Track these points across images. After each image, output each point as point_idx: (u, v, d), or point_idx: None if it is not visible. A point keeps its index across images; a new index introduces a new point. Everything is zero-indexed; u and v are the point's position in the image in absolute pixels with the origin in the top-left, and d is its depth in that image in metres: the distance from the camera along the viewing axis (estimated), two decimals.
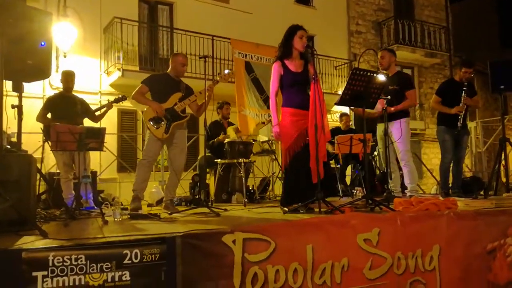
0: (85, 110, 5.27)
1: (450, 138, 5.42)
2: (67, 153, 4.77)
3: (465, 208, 3.77)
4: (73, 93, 5.38)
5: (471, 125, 9.45)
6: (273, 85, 3.98)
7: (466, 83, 5.41)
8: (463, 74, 5.47)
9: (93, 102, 7.79)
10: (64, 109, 5.03)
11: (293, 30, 3.98)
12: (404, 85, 4.93)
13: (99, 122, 5.55)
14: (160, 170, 7.79)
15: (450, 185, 5.58)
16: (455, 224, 3.26)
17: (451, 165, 5.58)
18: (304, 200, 3.77)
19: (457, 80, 5.57)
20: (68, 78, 5.27)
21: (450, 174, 5.62)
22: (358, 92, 3.71)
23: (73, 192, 4.53)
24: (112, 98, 5.56)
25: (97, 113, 5.40)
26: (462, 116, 5.31)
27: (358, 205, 3.94)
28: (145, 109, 4.34)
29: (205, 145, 5.47)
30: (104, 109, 5.32)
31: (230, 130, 6.03)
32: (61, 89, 5.42)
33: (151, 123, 4.24)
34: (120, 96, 5.29)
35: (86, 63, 8.98)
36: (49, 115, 5.11)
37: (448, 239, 3.20)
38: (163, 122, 4.25)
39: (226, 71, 4.60)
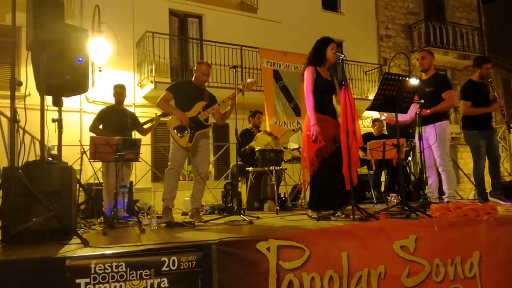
0: (134, 123, 5.46)
1: (484, 142, 5.10)
2: (110, 164, 4.90)
3: (505, 213, 3.64)
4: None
5: (504, 126, 9.11)
6: (308, 86, 4.00)
7: (488, 79, 5.20)
8: (485, 71, 5.21)
9: None
10: (115, 121, 5.27)
11: (326, 42, 4.09)
12: (441, 86, 4.80)
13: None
14: (192, 180, 7.89)
15: (491, 189, 5.32)
16: (496, 229, 3.15)
17: (489, 166, 5.34)
18: (333, 206, 3.80)
19: (476, 80, 5.29)
20: (119, 91, 5.49)
21: (486, 177, 5.37)
22: (390, 96, 3.66)
23: (112, 201, 4.66)
24: (146, 110, 5.73)
25: (145, 127, 5.57)
26: (504, 111, 5.10)
27: (393, 211, 3.87)
28: (170, 117, 4.37)
29: (237, 153, 5.52)
30: (153, 122, 5.46)
31: (261, 135, 6.06)
32: (113, 103, 5.67)
33: (176, 131, 4.26)
34: None
35: (120, 77, 9.24)
36: (101, 127, 5.34)
37: (488, 245, 3.10)
38: (187, 131, 4.26)
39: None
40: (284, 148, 6.46)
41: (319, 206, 3.99)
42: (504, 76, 15.87)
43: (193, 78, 4.55)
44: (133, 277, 2.19)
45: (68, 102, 7.99)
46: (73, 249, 2.43)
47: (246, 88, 4.54)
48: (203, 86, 4.57)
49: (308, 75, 4.03)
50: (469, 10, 15.30)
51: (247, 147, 6.13)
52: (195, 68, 4.54)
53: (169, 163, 4.37)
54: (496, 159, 5.26)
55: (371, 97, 8.52)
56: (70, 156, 5.90)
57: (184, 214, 5.39)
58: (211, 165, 9.38)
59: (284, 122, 9.11)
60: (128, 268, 2.19)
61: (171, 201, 4.28)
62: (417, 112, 4.43)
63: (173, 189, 4.31)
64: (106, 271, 2.16)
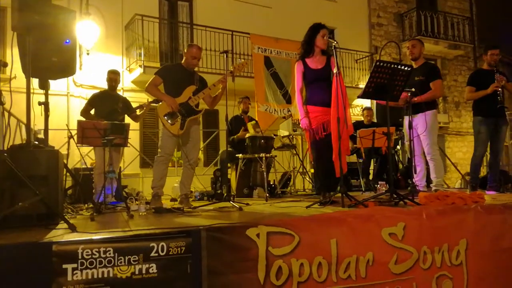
0: (126, 108, 5.40)
1: (486, 130, 5.12)
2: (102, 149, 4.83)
3: (493, 202, 3.69)
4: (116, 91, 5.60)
5: None
6: (297, 83, 4.15)
7: (496, 66, 5.19)
8: (491, 57, 5.24)
9: None
10: (106, 106, 5.21)
11: (316, 29, 4.08)
12: (430, 75, 4.81)
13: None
14: (181, 166, 7.86)
15: (488, 180, 5.33)
16: (483, 218, 3.19)
17: (488, 157, 5.35)
18: (327, 189, 3.97)
19: (485, 68, 5.34)
20: (112, 77, 5.41)
21: (483, 168, 5.39)
22: (382, 84, 3.66)
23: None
24: (135, 95, 5.67)
25: (137, 112, 5.50)
26: (501, 93, 5.03)
27: (382, 199, 3.90)
28: (160, 104, 4.26)
29: (227, 140, 5.49)
30: (143, 109, 5.40)
31: (250, 127, 6.04)
32: (106, 88, 5.60)
33: (166, 118, 4.14)
34: None
35: (108, 61, 9.11)
36: (92, 111, 5.29)
37: (475, 233, 3.14)
38: (178, 118, 4.16)
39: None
40: (274, 135, 6.45)
41: (319, 190, 4.18)
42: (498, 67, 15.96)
43: (182, 61, 4.41)
44: (121, 262, 2.18)
45: (55, 85, 7.85)
46: (60, 234, 2.40)
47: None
48: (193, 69, 4.44)
49: (296, 71, 4.12)
50: None
51: (235, 136, 6.10)
52: (185, 50, 4.41)
53: (159, 150, 4.29)
54: (497, 150, 5.26)
55: (362, 85, 8.52)
56: (57, 140, 5.82)
57: (173, 200, 5.37)
58: (200, 152, 9.35)
59: (275, 109, 9.07)
60: (116, 254, 2.17)
61: (161, 189, 4.23)
62: (408, 100, 4.43)
63: (162, 176, 4.24)
64: (94, 256, 2.14)
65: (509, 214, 3.29)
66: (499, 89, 5.02)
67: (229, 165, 6.19)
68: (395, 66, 3.67)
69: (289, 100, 9.23)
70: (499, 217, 3.26)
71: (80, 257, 2.12)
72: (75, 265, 2.11)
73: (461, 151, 13.99)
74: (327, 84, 4.03)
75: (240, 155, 5.74)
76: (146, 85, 4.29)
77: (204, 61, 9.47)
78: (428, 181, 5.11)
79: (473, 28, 15.07)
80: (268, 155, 5.54)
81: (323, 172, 4.03)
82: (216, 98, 4.46)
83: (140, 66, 8.94)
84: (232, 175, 6.15)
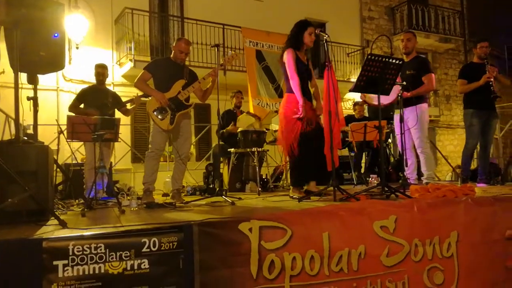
0: (116, 103, 5.35)
1: (478, 122, 5.13)
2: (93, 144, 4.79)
3: (483, 194, 3.72)
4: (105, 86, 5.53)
5: None
6: (292, 67, 3.97)
7: (486, 58, 5.19)
8: (481, 50, 5.26)
9: None
10: (96, 101, 5.15)
11: (303, 26, 4.07)
12: (421, 69, 4.82)
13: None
14: (172, 160, 7.83)
15: (478, 172, 5.34)
16: (473, 210, 3.22)
17: (478, 150, 5.36)
18: (313, 180, 3.97)
19: (476, 61, 5.35)
20: (100, 71, 5.35)
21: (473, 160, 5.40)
22: (373, 78, 3.66)
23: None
24: (125, 89, 5.62)
25: (128, 106, 5.45)
26: (492, 84, 5.00)
27: (374, 192, 3.92)
28: (149, 99, 4.21)
29: (218, 134, 5.47)
30: (133, 104, 5.33)
31: (243, 117, 6.02)
32: (94, 83, 5.50)
33: (155, 114, 4.09)
34: None
35: (98, 55, 9.00)
36: (82, 106, 5.22)
37: (466, 225, 3.17)
38: (167, 113, 4.11)
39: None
40: (266, 129, 6.45)
41: (300, 182, 4.08)
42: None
43: (171, 55, 4.37)
44: (112, 258, 2.16)
45: (44, 80, 7.76)
46: (50, 231, 2.38)
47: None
48: (183, 62, 4.38)
49: (289, 57, 4.00)
50: None
51: (225, 130, 6.07)
52: (173, 44, 4.36)
53: (149, 145, 4.25)
54: (487, 143, 5.26)
55: (353, 79, 8.51)
56: (46, 135, 5.78)
57: (165, 195, 5.34)
58: (192, 146, 9.32)
59: (267, 104, 9.07)
60: (107, 250, 2.16)
61: (152, 184, 4.19)
62: (399, 94, 4.45)
63: (153, 172, 4.20)
64: (85, 252, 2.12)
65: (499, 206, 3.33)
66: (492, 80, 5.01)
67: (221, 159, 6.17)
68: (387, 59, 3.67)
69: (281, 94, 9.22)
70: (489, 209, 3.29)
71: (70, 253, 2.11)
72: (65, 262, 2.10)
73: (452, 144, 14.10)
74: (306, 81, 4.10)
75: (232, 149, 5.72)
76: (135, 80, 4.24)
77: (195, 55, 9.41)
78: (419, 174, 5.14)
79: (464, 21, 15.14)
80: (260, 149, 5.54)
81: (308, 165, 3.97)
82: (207, 92, 4.42)
83: (131, 60, 8.86)
84: (225, 170, 6.14)
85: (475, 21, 16.14)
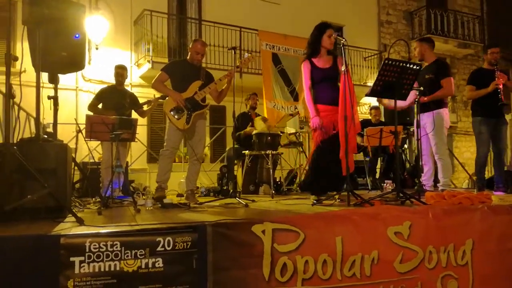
0: (133, 104, 5.43)
1: (487, 130, 5.06)
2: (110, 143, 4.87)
3: (500, 202, 3.67)
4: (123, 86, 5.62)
5: (507, 118, 9.13)
6: (306, 82, 4.07)
7: (497, 65, 5.10)
8: (491, 56, 5.18)
9: None
10: (114, 101, 5.25)
11: (322, 29, 4.04)
12: (440, 73, 4.75)
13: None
14: (187, 161, 7.89)
15: (494, 180, 5.25)
16: (489, 218, 3.18)
17: (492, 158, 5.27)
18: (329, 189, 3.91)
19: (486, 67, 5.26)
20: (120, 71, 5.46)
21: (488, 168, 5.32)
22: (390, 82, 3.64)
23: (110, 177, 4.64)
24: (143, 90, 5.69)
25: (143, 108, 5.53)
26: (501, 91, 4.90)
27: (388, 198, 3.89)
28: (166, 99, 4.31)
29: (233, 136, 5.49)
30: (151, 104, 5.42)
31: (258, 121, 6.04)
32: (113, 83, 5.61)
33: (172, 113, 4.18)
34: None
35: (117, 55, 9.14)
36: (100, 106, 5.33)
37: (481, 233, 3.13)
38: (184, 113, 4.19)
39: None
40: (281, 132, 6.46)
41: (312, 189, 4.05)
42: (503, 67, 15.84)
43: (188, 57, 4.45)
44: (127, 256, 2.20)
45: (64, 79, 7.87)
46: (68, 227, 2.42)
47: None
48: (200, 64, 4.46)
49: (304, 71, 4.06)
50: None
51: (242, 132, 6.10)
52: (190, 46, 4.44)
53: (164, 143, 4.32)
54: (500, 151, 5.18)
55: (370, 83, 8.47)
56: (65, 134, 5.87)
57: (179, 195, 5.38)
58: (207, 148, 9.37)
59: (282, 106, 9.06)
60: (123, 248, 2.19)
61: (165, 183, 4.28)
62: (416, 99, 4.41)
63: (167, 171, 4.28)
64: (101, 249, 2.16)
65: None
66: (500, 87, 4.92)
67: (235, 161, 6.20)
68: (404, 64, 3.65)
69: (296, 98, 9.22)
70: (506, 218, 3.24)
71: (87, 250, 2.15)
72: (82, 258, 2.14)
73: (469, 151, 13.89)
74: (334, 83, 4.01)
75: (247, 151, 5.74)
76: (153, 81, 4.34)
77: (212, 57, 9.48)
78: (436, 180, 5.08)
79: (483, 27, 14.92)
80: (274, 152, 5.55)
81: (326, 170, 3.97)
82: (222, 93, 4.47)
83: (149, 61, 8.97)
84: (239, 172, 6.17)
85: (495, 27, 15.89)
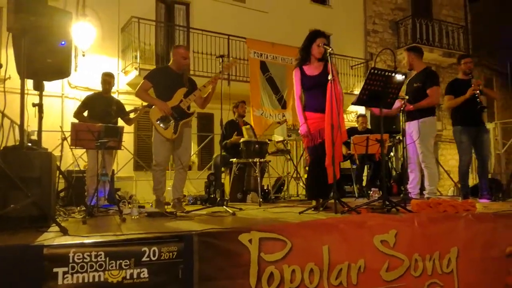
0: (119, 111, 5.38)
1: (467, 138, 5.12)
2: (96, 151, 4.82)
3: (484, 210, 3.71)
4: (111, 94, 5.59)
5: (490, 126, 9.28)
6: (296, 90, 4.15)
7: (471, 74, 5.19)
8: (465, 66, 5.26)
9: None
10: (100, 109, 5.19)
11: (312, 37, 4.09)
12: (427, 82, 4.80)
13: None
14: (173, 169, 7.85)
15: (479, 188, 5.33)
16: (474, 226, 3.22)
17: (476, 166, 5.37)
18: (322, 196, 3.98)
19: (461, 77, 5.33)
20: (107, 79, 5.42)
21: (471, 176, 5.40)
22: (376, 92, 3.68)
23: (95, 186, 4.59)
24: (130, 97, 5.66)
25: (130, 116, 5.50)
26: (478, 96, 4.99)
27: (375, 206, 3.92)
28: (152, 108, 4.23)
29: (221, 144, 5.48)
30: (137, 112, 5.39)
31: (244, 130, 6.04)
32: (100, 90, 5.56)
33: (159, 123, 4.12)
34: None
35: (104, 63, 9.09)
36: (86, 113, 5.28)
37: (466, 241, 3.16)
38: (171, 122, 4.14)
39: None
40: (269, 140, 6.46)
41: (309, 195, 4.26)
42: (487, 75, 16.14)
43: (170, 63, 4.37)
44: (112, 267, 2.17)
45: (50, 86, 7.81)
46: (51, 237, 2.39)
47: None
48: (181, 71, 4.38)
49: (294, 79, 4.13)
50: (456, 8, 15.46)
51: (228, 141, 6.09)
52: (172, 52, 4.38)
53: (154, 157, 4.28)
54: (484, 159, 5.24)
55: (357, 91, 8.55)
56: (50, 142, 5.80)
57: (166, 204, 5.34)
58: (194, 155, 9.34)
59: (270, 114, 9.09)
60: (107, 258, 2.16)
61: (161, 195, 4.29)
62: (401, 108, 4.46)
63: (159, 182, 4.28)
64: (85, 260, 2.13)
65: (499, 223, 3.32)
66: (477, 92, 5.00)
67: (223, 169, 6.18)
68: (389, 73, 3.69)
69: (284, 105, 9.26)
70: (490, 226, 3.28)
71: (71, 260, 2.11)
72: (65, 269, 2.10)
73: (454, 158, 14.04)
74: (323, 90, 3.96)
75: (234, 159, 5.74)
76: (136, 89, 4.27)
77: (200, 64, 9.49)
78: (422, 188, 5.12)
79: (468, 36, 15.21)
80: (262, 160, 5.55)
81: (316, 178, 4.03)
82: (207, 99, 4.43)
83: (136, 68, 8.93)
84: (226, 180, 6.14)
85: (479, 36, 16.23)
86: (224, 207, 4.06)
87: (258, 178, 5.40)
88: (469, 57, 5.42)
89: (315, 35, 4.08)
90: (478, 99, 4.98)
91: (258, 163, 5.42)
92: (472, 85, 5.02)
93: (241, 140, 5.75)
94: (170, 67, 4.37)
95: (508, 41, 18.93)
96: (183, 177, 4.39)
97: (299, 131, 4.14)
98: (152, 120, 4.16)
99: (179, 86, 4.26)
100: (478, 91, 4.99)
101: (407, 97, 4.46)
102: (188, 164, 4.49)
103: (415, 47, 5.41)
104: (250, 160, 5.51)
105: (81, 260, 2.12)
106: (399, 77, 3.74)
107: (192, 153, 4.37)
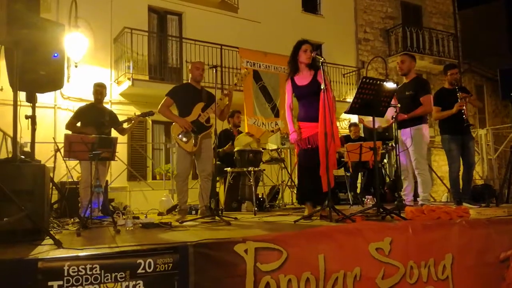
0: (113, 121, 5.37)
1: (456, 146, 5.27)
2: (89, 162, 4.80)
3: (477, 216, 3.74)
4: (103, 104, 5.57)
5: (481, 132, 9.39)
6: (287, 100, 4.21)
7: (457, 85, 5.36)
8: (451, 77, 5.42)
9: None
10: (93, 119, 5.19)
11: (297, 46, 4.14)
12: (419, 90, 4.87)
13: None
14: (170, 179, 7.82)
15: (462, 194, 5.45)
16: (468, 232, 3.23)
17: (462, 172, 5.49)
18: (311, 201, 4.07)
19: (447, 87, 5.51)
20: (99, 89, 5.42)
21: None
22: (368, 100, 3.71)
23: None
24: (123, 107, 5.65)
25: (123, 126, 5.49)
26: (464, 112, 5.16)
27: (369, 213, 3.93)
28: (173, 124, 4.56)
29: (215, 153, 5.47)
30: (132, 122, 5.39)
31: (242, 136, 6.05)
32: (92, 100, 5.56)
33: (180, 137, 4.45)
34: (148, 111, 5.39)
35: (96, 73, 9.08)
36: (79, 124, 5.26)
37: (460, 248, 3.17)
38: (191, 136, 4.46)
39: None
40: (263, 149, 6.47)
41: (299, 199, 4.29)
42: (477, 82, 16.32)
43: (189, 80, 4.72)
44: (107, 279, 2.15)
45: (42, 97, 7.77)
46: (45, 251, 2.36)
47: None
48: (200, 86, 4.71)
49: (286, 90, 4.20)
50: (446, 16, 15.66)
51: (220, 149, 6.09)
52: (189, 68, 4.74)
53: (177, 169, 4.73)
54: (469, 166, 5.40)
55: (349, 99, 8.61)
56: (43, 153, 5.77)
57: (160, 214, 5.32)
58: None
59: (263, 123, 9.12)
60: (102, 271, 2.15)
61: (184, 204, 4.64)
62: (394, 116, 4.50)
63: (182, 192, 4.62)
64: (80, 273, 2.11)
65: (493, 228, 3.34)
66: (464, 108, 5.17)
67: (217, 178, 6.17)
68: (381, 82, 3.73)
69: (277, 114, 9.30)
70: (484, 232, 3.30)
71: (66, 274, 2.09)
72: (60, 283, 2.08)
73: (447, 164, 14.14)
74: (314, 99, 3.98)
75: (229, 168, 5.74)
76: (159, 106, 4.59)
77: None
78: (416, 195, 5.16)
79: (458, 44, 15.40)
80: (256, 168, 5.55)
81: (304, 184, 4.07)
82: (224, 111, 4.74)
83: (129, 79, 8.93)
84: (221, 189, 6.14)
85: (469, 44, 16.44)
86: (219, 216, 4.05)
87: (253, 187, 5.40)
88: (455, 68, 5.56)
89: (299, 43, 4.14)
90: (464, 116, 5.16)
91: (252, 172, 5.43)
92: (459, 99, 5.17)
93: (235, 149, 5.75)
94: (189, 83, 4.75)
95: (498, 47, 19.19)
96: (208, 186, 4.66)
97: (289, 139, 4.21)
98: (173, 135, 4.52)
99: (198, 101, 4.58)
100: (464, 107, 5.16)
101: (399, 105, 4.49)
102: (211, 173, 4.69)
103: (412, 54, 5.49)
104: (245, 169, 5.51)
105: (76, 273, 2.10)
106: (390, 85, 3.79)
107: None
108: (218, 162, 5.88)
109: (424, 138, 4.87)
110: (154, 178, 9.56)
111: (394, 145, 4.66)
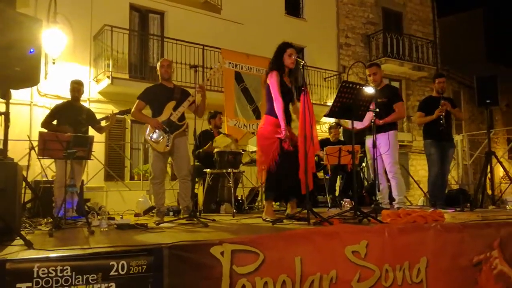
0: (90, 120, 5.26)
1: (436, 151, 5.52)
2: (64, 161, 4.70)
3: (452, 220, 3.81)
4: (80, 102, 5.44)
5: (457, 138, 9.56)
6: (276, 90, 3.94)
7: (442, 93, 5.60)
8: (438, 85, 5.67)
9: None
10: (69, 118, 5.08)
11: (282, 48, 4.09)
12: (392, 98, 5.04)
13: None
14: (148, 179, 7.73)
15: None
16: (442, 236, 3.28)
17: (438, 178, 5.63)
18: (285, 199, 4.08)
19: (434, 95, 5.76)
20: (76, 87, 5.29)
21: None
22: (347, 104, 3.74)
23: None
24: (102, 106, 5.56)
25: (101, 124, 5.39)
26: (444, 118, 5.41)
27: (347, 216, 3.96)
28: (145, 125, 4.46)
29: (193, 154, 5.44)
30: (109, 120, 5.29)
31: (221, 137, 6.02)
32: (69, 98, 5.40)
33: (151, 138, 4.35)
34: (125, 109, 5.28)
35: (75, 70, 8.91)
36: (55, 122, 5.14)
37: (435, 251, 3.22)
38: (162, 136, 4.34)
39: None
40: (243, 150, 6.45)
41: (276, 198, 4.23)
42: (455, 88, 16.67)
43: (160, 79, 4.61)
44: (78, 281, 2.10)
45: (18, 94, 7.62)
46: (15, 251, 2.30)
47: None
48: (172, 84, 4.61)
49: (273, 80, 3.97)
50: (425, 23, 15.96)
51: (201, 149, 6.05)
52: (157, 68, 4.62)
53: (152, 172, 4.53)
54: (445, 172, 5.68)
55: (330, 103, 8.69)
56: (18, 151, 5.62)
57: (136, 215, 5.25)
58: (168, 166, 9.21)
59: (244, 125, 9.10)
60: (73, 272, 2.10)
61: (162, 206, 4.50)
62: (372, 120, 4.54)
63: (159, 194, 4.51)
64: (50, 275, 2.06)
65: (467, 233, 3.40)
66: (442, 114, 5.41)
67: (196, 179, 6.12)
68: (360, 86, 3.77)
69: (258, 116, 9.27)
70: (458, 236, 3.36)
71: (35, 275, 2.04)
72: (29, 284, 2.02)
73: (424, 169, 14.36)
74: (288, 104, 4.09)
75: (208, 170, 5.70)
76: (132, 110, 4.50)
77: (174, 74, 9.39)
78: (392, 198, 5.24)
79: (437, 51, 15.71)
80: (236, 170, 5.53)
81: (282, 183, 3.96)
82: (200, 107, 4.56)
83: (108, 77, 8.79)
84: (199, 190, 6.09)
85: (447, 51, 16.80)
86: (197, 218, 4.01)
87: (232, 188, 5.38)
88: (443, 77, 5.83)
89: (285, 45, 4.08)
90: (441, 121, 5.42)
91: (232, 174, 5.40)
92: (440, 106, 5.43)
93: (215, 150, 5.72)
94: (161, 83, 4.62)
95: (476, 55, 19.65)
96: (188, 185, 4.53)
97: (278, 136, 3.91)
98: (145, 137, 4.40)
99: (168, 100, 4.46)
100: (443, 113, 5.42)
101: (377, 110, 4.55)
102: (189, 172, 4.55)
103: (377, 62, 5.70)
104: (224, 170, 5.48)
105: (46, 275, 2.05)
106: (369, 90, 3.83)
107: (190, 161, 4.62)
108: (197, 163, 5.83)
109: (397, 143, 5.12)
110: (132, 178, 9.44)
111: (371, 149, 4.69)
